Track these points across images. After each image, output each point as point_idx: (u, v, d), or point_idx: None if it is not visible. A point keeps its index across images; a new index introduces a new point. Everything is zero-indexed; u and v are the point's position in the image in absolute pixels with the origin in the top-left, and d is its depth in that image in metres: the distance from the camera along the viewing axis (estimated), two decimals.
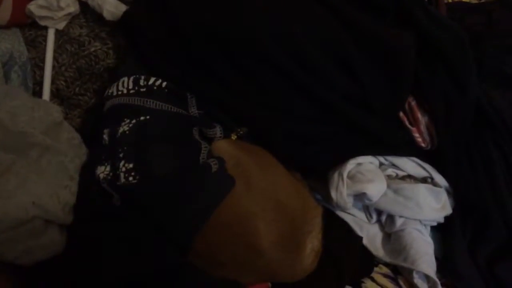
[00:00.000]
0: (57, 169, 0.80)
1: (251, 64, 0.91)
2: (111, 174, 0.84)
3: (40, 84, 1.02)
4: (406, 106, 0.94)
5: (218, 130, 0.93)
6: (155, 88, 0.92)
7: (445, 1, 1.20)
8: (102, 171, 0.84)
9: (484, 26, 1.16)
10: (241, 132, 0.94)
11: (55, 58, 1.03)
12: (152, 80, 0.92)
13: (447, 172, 0.95)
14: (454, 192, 0.95)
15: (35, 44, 1.03)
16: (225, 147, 0.89)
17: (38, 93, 1.02)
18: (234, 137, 0.94)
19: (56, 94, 1.03)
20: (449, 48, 0.92)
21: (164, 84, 0.92)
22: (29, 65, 1.02)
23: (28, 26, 1.04)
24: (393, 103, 0.92)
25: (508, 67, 1.06)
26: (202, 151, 0.87)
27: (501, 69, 1.06)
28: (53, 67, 1.03)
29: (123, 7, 1.02)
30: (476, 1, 1.32)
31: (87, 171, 0.87)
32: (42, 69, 1.02)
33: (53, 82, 1.03)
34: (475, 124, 0.95)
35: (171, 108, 0.91)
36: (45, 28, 1.03)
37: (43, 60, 1.02)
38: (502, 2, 1.26)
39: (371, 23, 0.93)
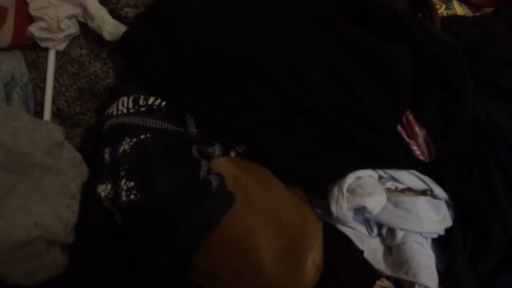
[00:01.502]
0: (59, 189, 0.81)
1: (249, 83, 0.92)
2: (112, 192, 0.84)
3: (41, 104, 1.04)
4: (404, 119, 0.95)
5: (217, 148, 0.94)
6: (154, 107, 0.93)
7: (440, 15, 1.22)
8: (103, 189, 0.85)
9: (479, 39, 1.17)
10: (240, 150, 0.95)
11: (56, 79, 1.05)
12: (151, 99, 0.94)
13: (446, 184, 0.95)
14: (454, 204, 0.95)
15: (36, 65, 1.05)
16: (224, 165, 0.90)
17: (39, 113, 1.03)
18: (233, 154, 0.95)
19: (57, 114, 1.04)
20: (445, 63, 0.93)
21: (163, 103, 0.93)
22: (30, 86, 1.03)
23: (29, 48, 1.05)
24: (391, 117, 0.93)
25: (504, 79, 1.07)
26: (202, 169, 0.88)
27: (497, 81, 1.07)
28: (54, 87, 1.04)
29: (122, 28, 1.04)
30: (471, 15, 1.33)
31: (88, 190, 0.87)
32: (43, 89, 1.04)
33: (54, 102, 1.04)
34: (473, 136, 0.95)
35: (170, 127, 0.92)
36: (46, 49, 1.05)
37: (44, 81, 1.04)
38: (496, 15, 1.28)
39: (367, 39, 0.94)
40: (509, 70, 1.08)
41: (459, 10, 1.30)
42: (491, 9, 1.30)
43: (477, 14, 1.33)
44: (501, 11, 1.26)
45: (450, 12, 1.29)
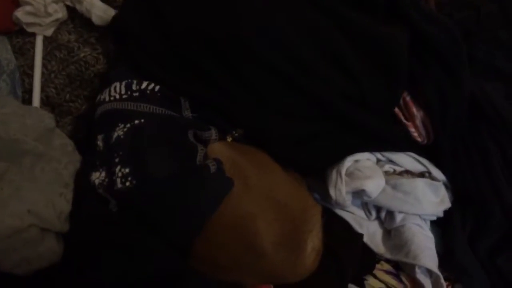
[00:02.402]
0: (51, 177, 0.78)
1: (247, 67, 0.90)
2: (106, 180, 0.82)
3: (29, 92, 1.00)
4: (401, 101, 0.94)
5: (213, 133, 0.91)
6: (148, 92, 0.91)
7: None
8: (97, 177, 0.83)
9: (473, 21, 1.16)
10: (236, 134, 0.93)
11: (44, 65, 1.01)
12: (144, 84, 0.91)
13: (444, 165, 0.94)
14: (452, 186, 0.95)
15: (23, 52, 1.01)
16: (221, 149, 0.88)
17: (27, 101, 1.00)
18: (229, 139, 0.93)
19: (46, 102, 1.01)
20: (442, 43, 0.92)
21: (157, 88, 0.91)
22: (17, 73, 1.00)
23: (16, 34, 1.02)
24: (389, 99, 0.92)
25: (499, 60, 1.07)
26: (198, 154, 0.86)
27: (492, 63, 1.06)
28: (42, 74, 1.01)
29: (112, 12, 1.01)
30: None
31: (81, 178, 0.85)
32: (31, 76, 1.01)
33: (42, 89, 1.01)
34: (470, 117, 0.95)
35: (165, 111, 0.90)
36: (33, 35, 1.01)
37: (31, 68, 1.01)
38: None
39: (363, 21, 0.93)
40: (503, 51, 1.08)
41: None
42: None
43: None
44: None
45: None
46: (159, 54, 0.94)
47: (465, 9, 1.19)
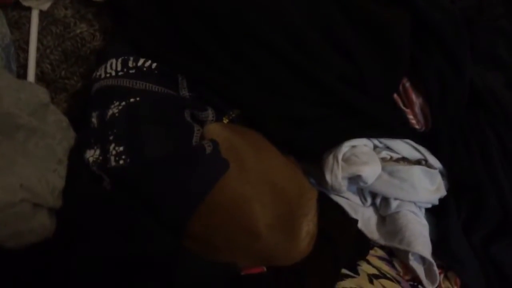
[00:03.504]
0: (45, 152, 0.77)
1: (248, 48, 0.89)
2: (100, 157, 0.81)
3: (24, 67, 0.98)
4: (401, 87, 0.93)
5: (210, 113, 0.91)
6: (144, 69, 0.90)
7: None
8: (92, 154, 0.82)
9: (475, 9, 1.15)
10: (233, 115, 0.93)
11: (39, 40, 0.99)
12: (141, 61, 0.90)
13: (442, 154, 0.94)
14: (448, 174, 0.94)
15: (19, 26, 0.99)
16: (218, 130, 0.87)
17: (22, 76, 0.98)
18: (226, 120, 0.93)
19: (41, 78, 0.99)
20: (445, 29, 0.91)
21: (154, 65, 0.90)
22: (12, 48, 0.98)
23: (11, 7, 0.99)
24: (389, 84, 0.91)
25: (500, 49, 1.06)
26: (194, 134, 0.85)
27: (493, 51, 1.06)
28: (38, 49, 0.99)
29: None
30: None
31: (75, 155, 0.84)
32: (26, 51, 0.98)
33: (38, 65, 0.99)
34: (470, 106, 0.94)
35: (161, 89, 0.89)
36: (29, 9, 0.99)
37: (27, 42, 0.98)
38: None
39: (366, 4, 0.92)
40: (504, 39, 1.08)
41: None
42: None
43: None
44: None
45: None
46: (158, 31, 0.93)
47: None
